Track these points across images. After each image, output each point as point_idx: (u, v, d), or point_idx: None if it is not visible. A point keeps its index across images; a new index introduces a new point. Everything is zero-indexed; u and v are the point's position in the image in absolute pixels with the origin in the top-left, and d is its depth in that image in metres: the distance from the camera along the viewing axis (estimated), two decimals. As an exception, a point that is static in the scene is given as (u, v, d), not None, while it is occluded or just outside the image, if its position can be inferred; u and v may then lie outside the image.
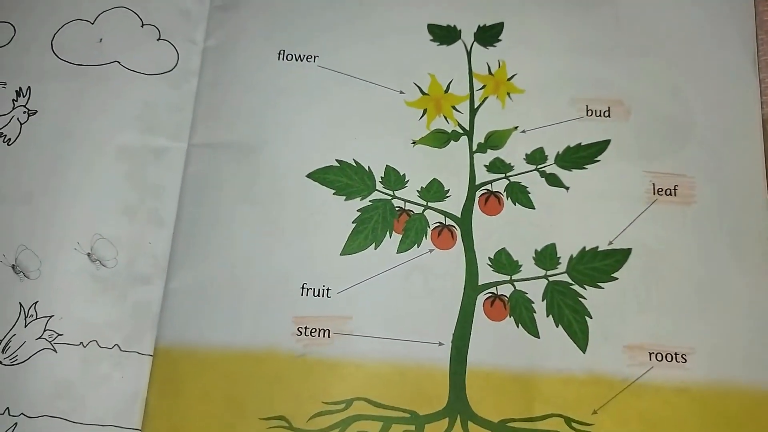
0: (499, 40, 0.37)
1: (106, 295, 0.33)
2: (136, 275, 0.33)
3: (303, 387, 0.31)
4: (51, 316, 0.32)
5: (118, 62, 0.36)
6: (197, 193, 0.35)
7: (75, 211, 0.34)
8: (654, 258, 0.33)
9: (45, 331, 0.32)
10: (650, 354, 0.32)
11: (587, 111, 0.35)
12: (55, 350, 0.32)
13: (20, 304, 0.32)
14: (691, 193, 0.34)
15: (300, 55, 0.36)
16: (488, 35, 0.37)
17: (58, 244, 0.33)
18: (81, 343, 0.32)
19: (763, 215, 0.34)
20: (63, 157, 0.35)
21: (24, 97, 0.35)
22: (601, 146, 0.35)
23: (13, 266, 0.33)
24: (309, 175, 0.35)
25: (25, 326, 0.32)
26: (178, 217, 0.34)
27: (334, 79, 0.36)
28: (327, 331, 0.32)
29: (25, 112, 0.35)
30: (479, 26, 0.37)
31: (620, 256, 0.33)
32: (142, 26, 0.37)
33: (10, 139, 0.35)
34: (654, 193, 0.34)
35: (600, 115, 0.35)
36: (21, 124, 0.35)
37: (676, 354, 0.32)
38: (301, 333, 0.32)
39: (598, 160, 0.35)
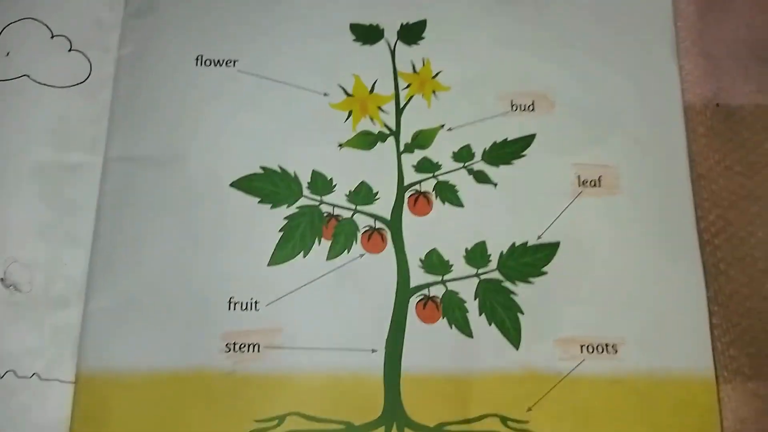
0: (423, 38, 0.37)
1: (23, 322, 0.32)
2: (54, 298, 0.32)
3: (234, 406, 0.31)
4: (-38, 348, 0.31)
5: (27, 76, 0.35)
6: (114, 209, 0.34)
7: (-15, 236, 0.33)
8: (582, 250, 0.33)
9: (-44, 363, 0.31)
10: (582, 347, 0.32)
11: (512, 106, 0.36)
12: (-32, 383, 0.31)
13: (-72, 336, 0.31)
14: (616, 183, 0.34)
15: (219, 60, 0.36)
16: (411, 33, 0.37)
17: (-31, 272, 0.32)
18: (-4, 373, 0.31)
19: (687, 202, 0.34)
20: (-30, 179, 0.33)
21: (-75, 116, 0.34)
22: (527, 141, 0.35)
23: None
24: (233, 184, 0.34)
25: (-66, 360, 0.31)
26: (95, 235, 0.33)
27: (255, 84, 0.35)
28: (257, 346, 0.32)
29: (-73, 132, 0.34)
30: (402, 24, 0.37)
31: (549, 250, 0.33)
32: (51, 37, 0.36)
33: None
34: (579, 185, 0.34)
35: (525, 110, 0.36)
36: (-77, 145, 0.34)
37: (607, 345, 0.32)
38: (229, 349, 0.32)
39: (525, 155, 0.35)
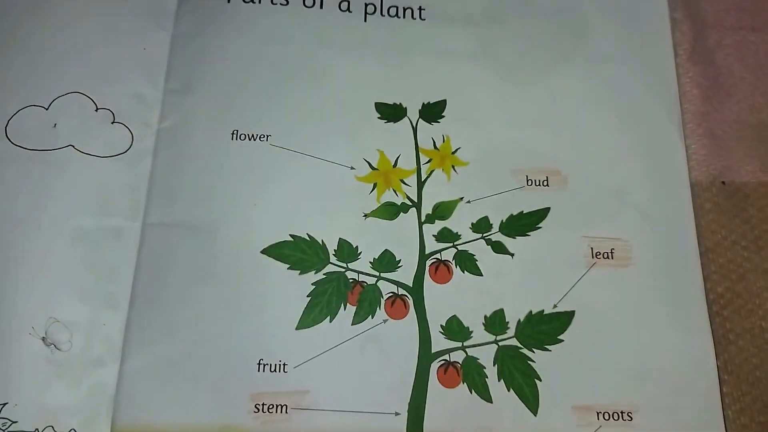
0: (443, 116, 0.39)
1: (62, 379, 0.33)
2: (91, 358, 0.34)
3: (262, 464, 0.32)
4: (5, 404, 0.32)
5: (73, 146, 0.38)
6: (152, 272, 0.36)
7: (29, 296, 0.34)
8: (596, 319, 0.35)
9: (-3, 419, 0.32)
10: (597, 413, 0.33)
11: (527, 181, 0.38)
12: (8, 440, 0.32)
13: (-29, 393, 0.33)
14: (627, 255, 0.37)
15: (253, 135, 0.38)
16: (432, 112, 0.39)
17: (12, 330, 0.34)
18: (36, 429, 0.32)
19: (696, 275, 0.36)
20: (17, 242, 0.35)
21: (-23, 183, 0.36)
22: (542, 214, 0.37)
23: (-36, 354, 0.33)
24: (263, 251, 0.36)
25: (-23, 416, 0.32)
26: (133, 298, 0.35)
27: (286, 157, 0.38)
28: (284, 407, 0.33)
29: (-22, 199, 0.36)
30: (424, 104, 0.40)
31: (565, 319, 0.35)
32: (96, 110, 0.39)
33: (-37, 225, 0.36)
34: (593, 257, 0.36)
35: (539, 185, 0.38)
36: (-26, 210, 0.36)
37: (622, 413, 0.34)
38: (258, 410, 0.33)
39: (540, 227, 0.37)
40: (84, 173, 0.37)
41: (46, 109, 0.38)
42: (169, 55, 0.40)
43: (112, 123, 0.39)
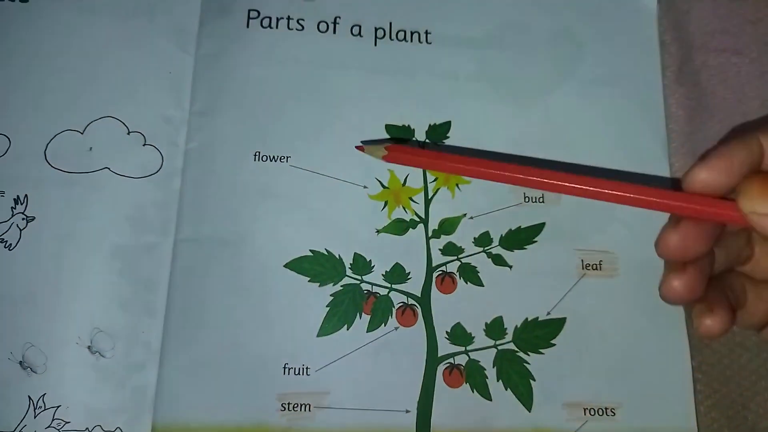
0: (447, 137, 0.43)
1: (107, 383, 0.38)
2: (133, 363, 0.38)
3: (289, 457, 0.37)
4: (58, 406, 0.37)
5: (108, 168, 0.42)
6: (185, 283, 0.40)
7: (75, 308, 0.39)
8: (585, 325, 0.40)
9: (54, 420, 0.37)
10: (585, 410, 0.38)
11: (525, 198, 0.42)
12: (63, 437, 0.37)
13: (29, 397, 0.37)
14: (615, 267, 0.41)
15: (273, 156, 0.42)
16: (438, 133, 0.44)
17: (61, 340, 0.38)
18: (86, 428, 0.37)
19: (675, 283, 0.41)
20: (61, 259, 0.40)
21: (22, 204, 0.40)
22: (538, 229, 0.42)
23: (20, 362, 0.38)
24: (286, 265, 0.40)
25: (35, 417, 0.37)
26: (168, 307, 0.39)
27: (305, 177, 0.42)
28: (308, 406, 0.38)
29: (23, 219, 0.40)
30: (430, 125, 0.44)
31: (557, 325, 0.40)
32: (128, 133, 0.42)
33: (11, 244, 0.40)
34: (583, 268, 0.41)
35: (536, 201, 0.42)
36: (20, 230, 0.40)
37: (606, 409, 0.39)
38: (284, 408, 0.38)
39: (536, 241, 0.42)
40: (119, 193, 0.41)
41: (82, 134, 0.42)
42: (193, 78, 0.44)
43: (143, 145, 0.42)
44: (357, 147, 0.37)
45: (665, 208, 0.33)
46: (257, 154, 0.42)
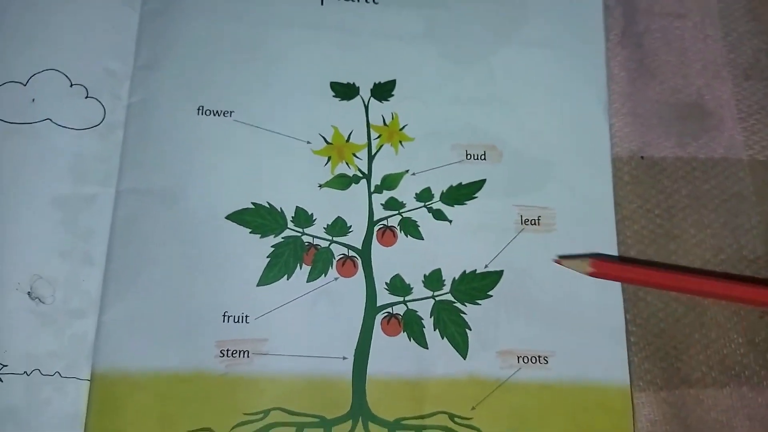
0: (392, 95, 0.47)
1: (46, 329, 0.41)
2: (72, 310, 0.42)
3: (226, 402, 0.41)
4: (-3, 350, 0.41)
5: (50, 119, 0.45)
6: (125, 233, 0.43)
7: (15, 255, 0.42)
8: (521, 277, 0.44)
9: (-9, 363, 0.40)
10: (518, 357, 0.43)
11: (467, 155, 0.46)
12: (1, 380, 0.40)
13: (-33, 340, 0.41)
14: (552, 222, 0.45)
15: (217, 111, 0.46)
16: (383, 91, 0.48)
17: (1, 286, 0.42)
18: (25, 372, 0.41)
19: (612, 239, 0.45)
20: (1, 207, 0.43)
21: (-38, 154, 0.44)
22: (478, 185, 0.46)
23: (-42, 307, 0.41)
24: (227, 217, 0.44)
25: (-28, 360, 0.40)
26: (108, 257, 0.43)
27: (248, 132, 0.46)
28: (246, 352, 0.42)
29: (-37, 168, 0.44)
30: (375, 83, 0.48)
31: (494, 277, 0.44)
32: (71, 86, 0.46)
33: (-50, 192, 0.43)
34: (522, 224, 0.45)
35: (477, 159, 0.46)
36: (-40, 179, 0.43)
37: (539, 357, 0.43)
38: (223, 355, 0.42)
39: (476, 197, 0.46)
40: (60, 144, 0.45)
41: (24, 85, 0.46)
42: (138, 33, 0.47)
43: (86, 98, 0.46)
44: (555, 260, 0.44)
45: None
46: (200, 108, 0.46)
